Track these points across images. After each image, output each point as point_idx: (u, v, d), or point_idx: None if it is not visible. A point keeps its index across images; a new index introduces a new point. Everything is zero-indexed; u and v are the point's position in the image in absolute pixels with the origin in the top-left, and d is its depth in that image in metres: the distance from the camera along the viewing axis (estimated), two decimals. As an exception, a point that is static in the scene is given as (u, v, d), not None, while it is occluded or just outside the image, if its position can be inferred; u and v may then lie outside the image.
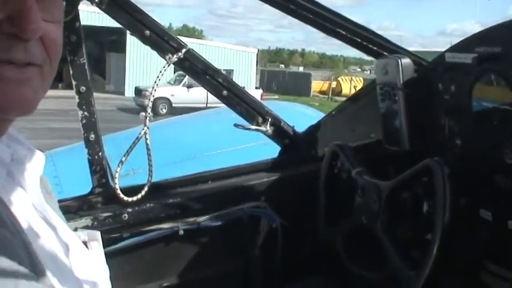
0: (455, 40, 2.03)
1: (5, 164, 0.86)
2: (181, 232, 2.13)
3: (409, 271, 1.72)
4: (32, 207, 0.89)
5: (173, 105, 24.02)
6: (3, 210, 0.78)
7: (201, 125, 5.18)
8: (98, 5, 2.00)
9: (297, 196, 2.31)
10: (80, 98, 2.05)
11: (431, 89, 1.94)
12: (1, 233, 0.73)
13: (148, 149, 2.11)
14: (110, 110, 22.99)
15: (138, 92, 27.14)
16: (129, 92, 32.37)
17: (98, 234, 1.09)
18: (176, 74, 25.66)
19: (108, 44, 32.50)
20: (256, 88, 32.93)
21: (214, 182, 2.30)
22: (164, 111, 25.33)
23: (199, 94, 23.66)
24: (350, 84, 44.78)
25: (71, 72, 2.01)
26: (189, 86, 25.80)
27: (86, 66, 2.04)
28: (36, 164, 0.94)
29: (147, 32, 2.09)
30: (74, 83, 2.02)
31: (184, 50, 2.12)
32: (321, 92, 48.24)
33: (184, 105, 23.69)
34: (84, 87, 2.04)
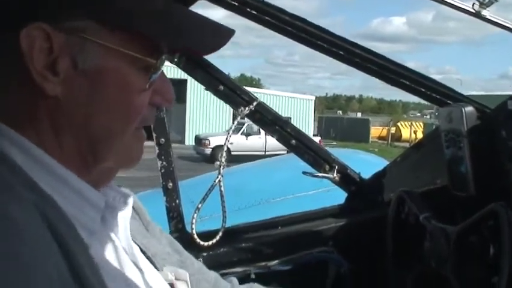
0: (518, 83, 2.06)
1: (100, 210, 0.86)
2: (253, 276, 2.20)
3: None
4: (124, 252, 0.93)
5: (233, 153, 24.25)
6: (88, 263, 0.75)
7: (266, 172, 5.26)
8: (177, 64, 2.14)
9: (365, 241, 2.35)
10: (160, 149, 2.20)
11: (495, 136, 1.97)
12: None
13: (222, 196, 2.22)
14: (171, 159, 23.33)
15: (198, 140, 27.65)
16: (189, 141, 33.07)
17: (186, 274, 1.13)
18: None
19: (169, 94, 33.18)
20: (314, 135, 32.81)
21: (284, 227, 2.37)
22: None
23: (256, 142, 23.84)
24: (410, 129, 44.01)
25: (152, 125, 2.15)
26: (247, 135, 26.07)
27: (166, 120, 2.20)
28: (126, 206, 0.96)
29: (221, 87, 2.22)
30: (154, 135, 2.17)
31: (255, 103, 2.25)
32: (380, 138, 47.64)
33: (243, 153, 23.89)
34: (163, 139, 2.19)
